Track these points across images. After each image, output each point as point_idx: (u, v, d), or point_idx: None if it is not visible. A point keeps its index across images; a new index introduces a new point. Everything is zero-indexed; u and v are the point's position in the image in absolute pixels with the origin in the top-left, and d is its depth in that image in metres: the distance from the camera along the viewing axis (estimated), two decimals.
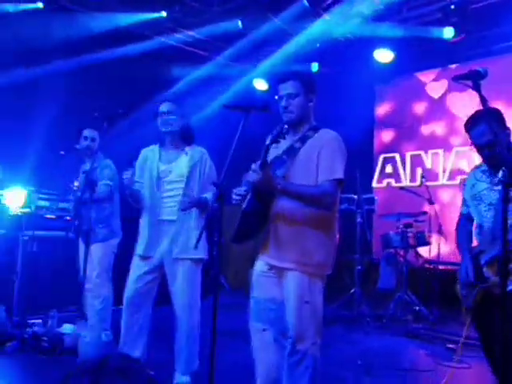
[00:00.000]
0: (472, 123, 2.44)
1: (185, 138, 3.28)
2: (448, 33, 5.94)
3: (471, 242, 2.66)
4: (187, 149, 3.27)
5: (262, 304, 2.50)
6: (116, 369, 0.78)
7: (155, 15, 6.11)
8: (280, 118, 2.50)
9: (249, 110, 2.26)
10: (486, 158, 2.45)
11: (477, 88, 1.82)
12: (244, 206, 2.38)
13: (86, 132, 4.05)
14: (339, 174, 2.34)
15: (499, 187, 2.27)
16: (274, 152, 2.48)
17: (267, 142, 2.35)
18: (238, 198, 2.38)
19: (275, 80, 2.55)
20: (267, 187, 2.27)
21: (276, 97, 2.51)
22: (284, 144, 2.47)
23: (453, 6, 5.77)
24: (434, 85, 6.87)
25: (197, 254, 3.12)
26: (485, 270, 2.40)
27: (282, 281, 2.45)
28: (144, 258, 3.17)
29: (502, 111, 2.41)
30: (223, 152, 2.44)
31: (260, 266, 2.53)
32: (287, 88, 2.44)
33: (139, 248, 3.21)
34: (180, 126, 3.24)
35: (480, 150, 2.44)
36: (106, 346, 3.69)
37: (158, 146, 3.32)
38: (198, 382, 3.06)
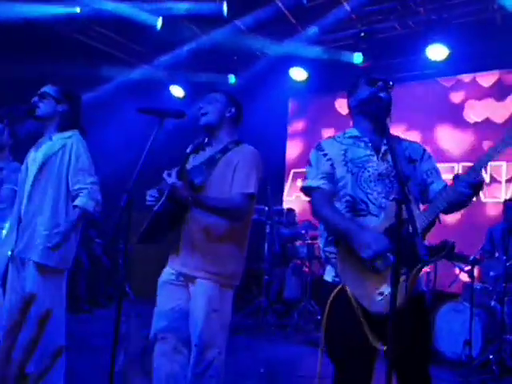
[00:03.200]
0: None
1: (61, 125, 2.88)
2: (357, 58, 6.35)
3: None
4: (55, 135, 2.86)
5: (164, 311, 2.47)
6: None
7: (68, 10, 5.85)
8: (198, 128, 2.54)
9: (164, 115, 2.22)
10: (375, 112, 2.02)
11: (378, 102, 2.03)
12: (156, 206, 2.35)
13: None
14: (252, 189, 2.39)
15: (389, 158, 1.99)
16: (194, 162, 2.48)
17: (188, 150, 2.35)
18: (151, 199, 2.38)
19: (197, 90, 2.60)
20: (180, 195, 2.25)
21: (200, 104, 2.54)
22: (205, 155, 2.50)
23: (362, 34, 6.17)
24: (343, 102, 7.25)
25: (40, 259, 2.69)
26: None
27: (189, 288, 2.44)
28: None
29: (403, 135, 2.30)
30: (135, 158, 2.39)
31: (167, 274, 2.50)
32: (208, 97, 2.55)
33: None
34: (53, 112, 2.85)
35: (372, 100, 2.03)
36: None
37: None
38: None
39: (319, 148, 2.16)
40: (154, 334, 2.49)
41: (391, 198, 1.65)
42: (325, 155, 2.13)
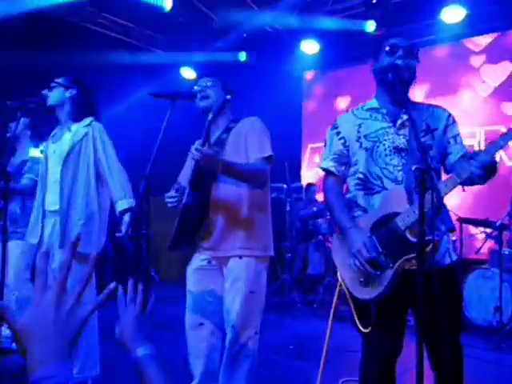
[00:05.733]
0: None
1: (73, 112, 2.89)
2: (370, 26, 6.17)
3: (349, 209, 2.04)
4: (74, 125, 2.88)
5: (199, 298, 2.48)
6: None
7: None
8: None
9: (175, 98, 2.20)
10: (392, 81, 1.90)
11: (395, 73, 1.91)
12: (184, 200, 2.34)
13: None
14: (269, 151, 2.39)
15: (405, 131, 1.94)
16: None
17: (209, 117, 2.35)
18: (172, 200, 2.37)
19: (208, 71, 2.58)
20: (210, 164, 2.19)
21: (196, 87, 2.52)
22: (211, 138, 2.50)
23: (375, 1, 5.99)
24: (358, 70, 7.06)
25: (84, 249, 2.72)
26: (408, 235, 1.81)
27: (223, 271, 2.44)
28: (37, 248, 2.93)
29: (420, 100, 2.30)
30: (149, 143, 2.38)
31: (198, 260, 2.49)
32: (204, 80, 2.52)
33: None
34: (62, 99, 2.87)
35: (388, 70, 1.91)
36: None
37: None
38: (132, 377, 2.98)
39: (334, 126, 2.13)
40: (190, 322, 2.49)
41: (413, 168, 1.58)
42: (338, 134, 2.09)
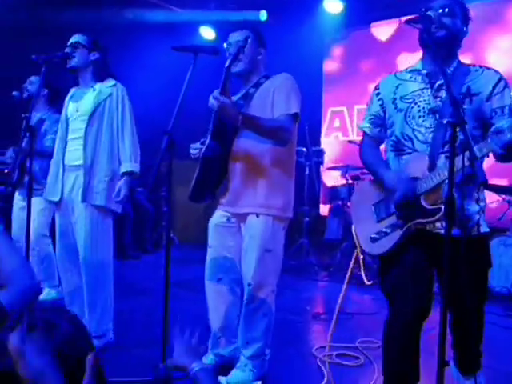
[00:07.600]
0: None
1: (96, 74, 2.92)
2: None
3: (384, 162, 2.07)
4: (97, 84, 2.92)
5: (218, 253, 2.51)
6: (39, 321, 0.81)
7: None
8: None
9: (198, 51, 2.14)
10: (431, 40, 1.86)
11: (427, 32, 1.83)
12: (203, 151, 2.32)
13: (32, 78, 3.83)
14: (295, 109, 2.34)
15: (443, 93, 1.88)
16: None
17: (226, 64, 2.29)
18: (195, 152, 2.37)
19: (227, 31, 2.50)
20: (229, 114, 2.17)
21: (225, 44, 2.45)
22: (238, 93, 2.48)
23: None
24: (382, 31, 6.83)
25: (103, 203, 2.82)
26: (422, 201, 1.84)
27: (241, 229, 2.45)
28: (56, 204, 2.98)
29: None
30: (171, 102, 2.33)
31: (218, 217, 2.51)
32: (236, 40, 2.42)
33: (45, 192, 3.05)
34: (86, 62, 2.89)
35: (423, 31, 1.86)
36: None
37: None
38: (152, 330, 3.04)
39: (376, 87, 2.12)
40: (209, 276, 2.53)
41: (445, 122, 1.52)
42: (377, 95, 2.10)
